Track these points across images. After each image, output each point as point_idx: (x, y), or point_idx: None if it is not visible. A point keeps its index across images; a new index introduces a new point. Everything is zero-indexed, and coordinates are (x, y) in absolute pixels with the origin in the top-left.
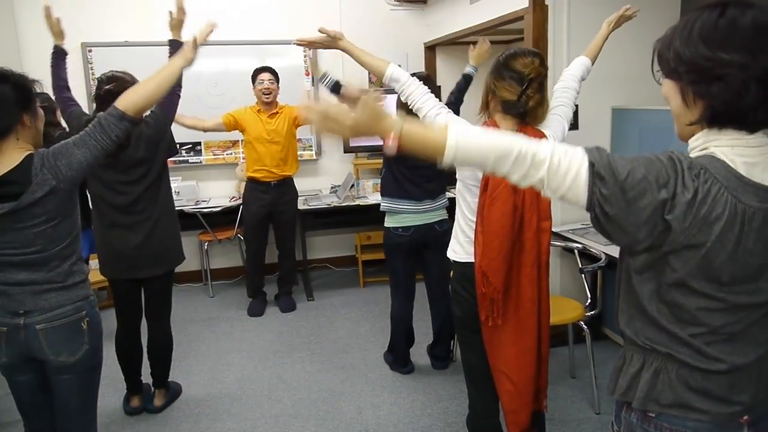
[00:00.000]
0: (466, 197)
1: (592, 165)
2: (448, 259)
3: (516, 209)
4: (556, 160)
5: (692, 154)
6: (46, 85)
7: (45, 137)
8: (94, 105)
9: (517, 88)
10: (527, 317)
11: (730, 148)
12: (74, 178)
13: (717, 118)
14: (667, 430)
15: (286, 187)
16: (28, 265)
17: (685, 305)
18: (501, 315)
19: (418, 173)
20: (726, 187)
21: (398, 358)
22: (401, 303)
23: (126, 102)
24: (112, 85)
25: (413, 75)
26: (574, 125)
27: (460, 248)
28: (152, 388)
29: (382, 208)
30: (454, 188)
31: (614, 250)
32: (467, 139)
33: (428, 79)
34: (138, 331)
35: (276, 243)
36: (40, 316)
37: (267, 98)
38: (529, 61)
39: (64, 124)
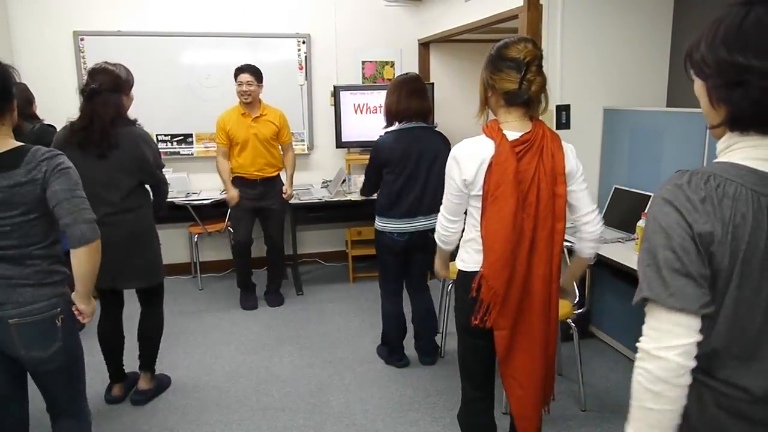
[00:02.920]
0: (476, 205)
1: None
2: (432, 258)
3: (524, 208)
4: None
5: (719, 157)
6: (25, 76)
7: (19, 130)
8: (81, 98)
9: (516, 76)
10: (538, 319)
11: (753, 149)
12: (44, 189)
13: (738, 123)
14: None
15: (272, 182)
16: (5, 260)
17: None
18: (502, 318)
19: (410, 188)
20: (742, 184)
21: (393, 351)
22: (391, 298)
23: (78, 260)
24: (97, 84)
25: (403, 76)
26: (565, 125)
27: (469, 257)
28: (138, 372)
29: (377, 227)
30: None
31: (604, 250)
32: None
33: (417, 79)
34: (120, 318)
35: (264, 238)
36: (13, 310)
37: (246, 99)
38: (522, 47)
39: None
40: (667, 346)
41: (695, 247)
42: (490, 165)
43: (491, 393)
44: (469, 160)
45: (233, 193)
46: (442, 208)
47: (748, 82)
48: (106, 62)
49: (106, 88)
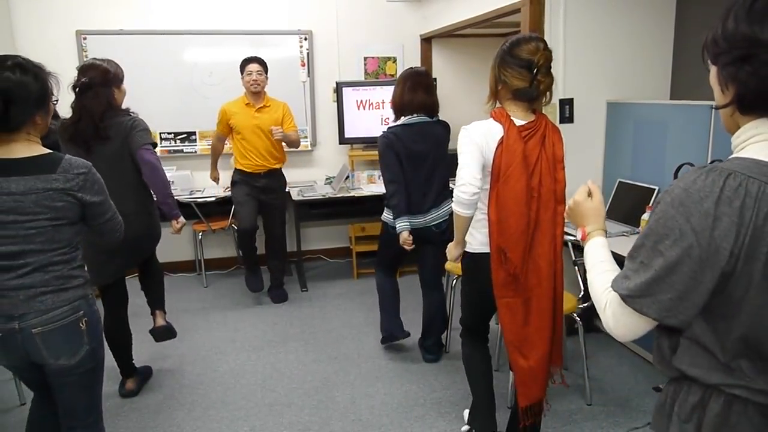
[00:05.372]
0: (484, 187)
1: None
2: (444, 253)
3: (530, 188)
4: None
5: (735, 152)
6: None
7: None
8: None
9: (527, 76)
10: (544, 295)
11: None
12: (82, 203)
13: (744, 103)
14: None
15: (274, 176)
16: (26, 268)
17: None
18: (522, 291)
19: (414, 185)
20: (765, 182)
21: (389, 329)
22: (385, 274)
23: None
24: (87, 78)
25: (409, 69)
26: (569, 118)
27: (474, 239)
28: (151, 311)
29: (384, 219)
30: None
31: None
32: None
33: (422, 73)
34: (125, 317)
35: (265, 232)
36: (35, 320)
37: (255, 89)
38: (534, 47)
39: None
40: (624, 334)
41: (702, 254)
42: (500, 145)
43: (486, 330)
44: (480, 135)
45: (215, 175)
46: (462, 173)
47: (756, 57)
48: (94, 59)
49: (96, 83)
